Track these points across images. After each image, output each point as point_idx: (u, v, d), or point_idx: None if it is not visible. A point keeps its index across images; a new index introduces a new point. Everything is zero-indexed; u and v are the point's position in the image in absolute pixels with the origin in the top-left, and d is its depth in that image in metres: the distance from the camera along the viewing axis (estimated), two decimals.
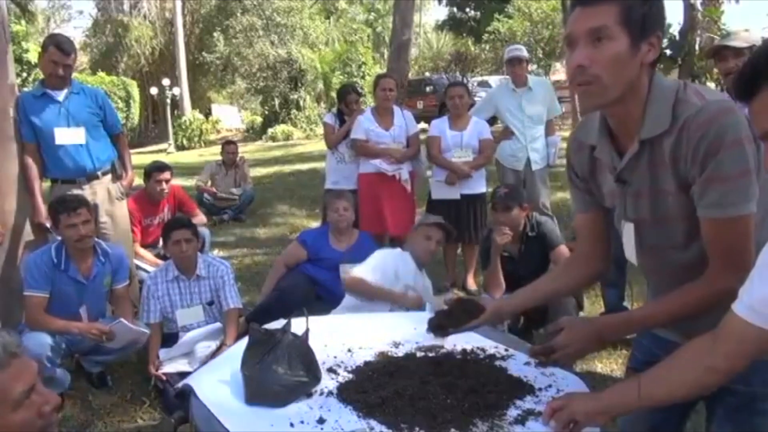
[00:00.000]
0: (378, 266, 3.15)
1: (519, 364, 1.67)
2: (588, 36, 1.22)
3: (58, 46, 3.46)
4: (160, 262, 4.05)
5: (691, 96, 1.22)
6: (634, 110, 1.26)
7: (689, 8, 8.19)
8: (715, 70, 6.39)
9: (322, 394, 1.54)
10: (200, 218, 4.87)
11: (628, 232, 1.38)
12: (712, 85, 7.51)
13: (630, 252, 1.41)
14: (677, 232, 1.29)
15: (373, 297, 3.06)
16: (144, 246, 4.45)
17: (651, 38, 1.23)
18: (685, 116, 1.20)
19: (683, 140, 1.20)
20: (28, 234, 3.52)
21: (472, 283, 4.50)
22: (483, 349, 1.79)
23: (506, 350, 1.77)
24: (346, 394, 1.52)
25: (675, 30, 8.15)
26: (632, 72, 1.23)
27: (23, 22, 17.67)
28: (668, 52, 7.91)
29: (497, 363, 1.70)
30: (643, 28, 1.21)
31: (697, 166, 1.19)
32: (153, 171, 4.62)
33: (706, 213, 1.21)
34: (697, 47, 7.84)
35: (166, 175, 4.64)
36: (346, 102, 4.87)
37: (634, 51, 1.22)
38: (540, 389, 1.54)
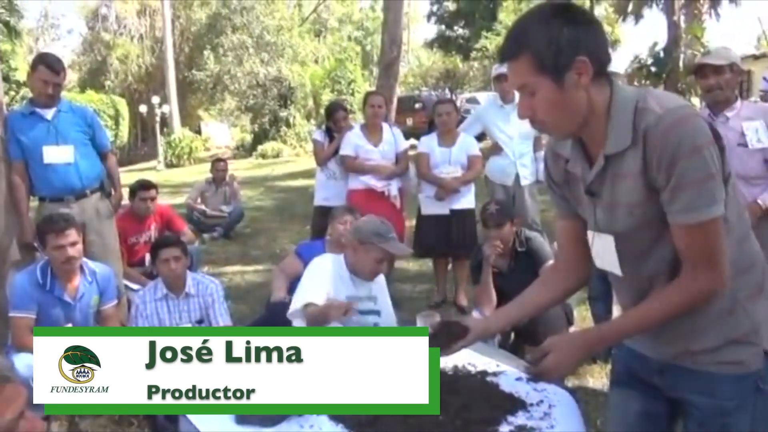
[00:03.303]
0: (321, 279, 2.64)
1: (510, 379, 1.67)
2: (520, 90, 1.29)
3: (47, 65, 3.46)
4: (146, 280, 4.02)
5: (651, 104, 1.24)
6: (598, 126, 1.29)
7: (673, 26, 8.36)
8: None
9: None
10: (189, 236, 4.85)
11: (597, 243, 1.40)
12: (696, 100, 7.63)
13: (600, 262, 1.42)
14: (642, 242, 1.31)
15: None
16: (130, 264, 4.40)
17: (573, 66, 1.23)
18: (645, 126, 1.22)
19: (647, 150, 1.23)
20: (15, 253, 3.48)
21: (463, 299, 4.49)
22: (474, 365, 1.79)
23: (497, 366, 1.77)
24: None
25: (660, 47, 8.31)
26: (575, 103, 1.26)
27: (12, 40, 17.67)
28: (653, 68, 8.05)
29: (489, 379, 1.70)
30: (559, 65, 1.23)
31: (662, 174, 1.22)
32: (138, 189, 4.60)
33: (676, 219, 1.23)
34: (681, 63, 7.98)
35: (152, 193, 4.62)
36: (334, 119, 4.89)
37: (560, 88, 1.24)
38: (531, 405, 1.55)
